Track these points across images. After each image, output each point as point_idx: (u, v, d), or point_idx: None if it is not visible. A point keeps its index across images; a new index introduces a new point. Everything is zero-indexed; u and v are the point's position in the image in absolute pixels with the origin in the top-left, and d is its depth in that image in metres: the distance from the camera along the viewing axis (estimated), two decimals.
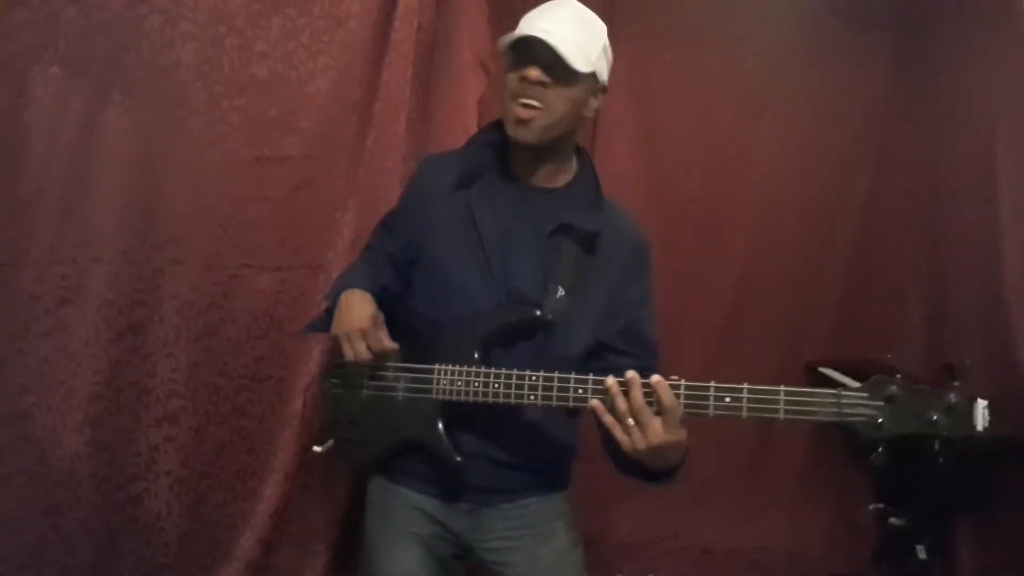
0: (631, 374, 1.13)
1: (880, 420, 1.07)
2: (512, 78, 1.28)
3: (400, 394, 1.37)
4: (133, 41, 1.68)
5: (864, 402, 1.08)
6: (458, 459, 1.32)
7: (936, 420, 1.05)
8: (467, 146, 1.43)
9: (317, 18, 1.85)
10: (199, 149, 1.78)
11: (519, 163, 1.38)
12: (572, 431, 1.48)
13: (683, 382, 1.13)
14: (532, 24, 1.27)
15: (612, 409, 1.14)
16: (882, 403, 1.08)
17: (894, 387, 1.08)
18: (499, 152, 1.40)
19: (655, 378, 1.12)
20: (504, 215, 1.36)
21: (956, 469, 2.27)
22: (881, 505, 2.59)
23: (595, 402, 1.16)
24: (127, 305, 1.74)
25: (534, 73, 1.25)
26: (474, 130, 1.97)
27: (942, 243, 2.55)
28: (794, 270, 2.73)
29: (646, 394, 1.12)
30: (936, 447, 1.09)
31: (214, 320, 1.85)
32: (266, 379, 1.93)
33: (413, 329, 1.40)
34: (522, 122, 1.28)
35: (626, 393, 1.13)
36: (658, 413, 1.11)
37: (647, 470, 1.20)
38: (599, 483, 1.86)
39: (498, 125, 1.40)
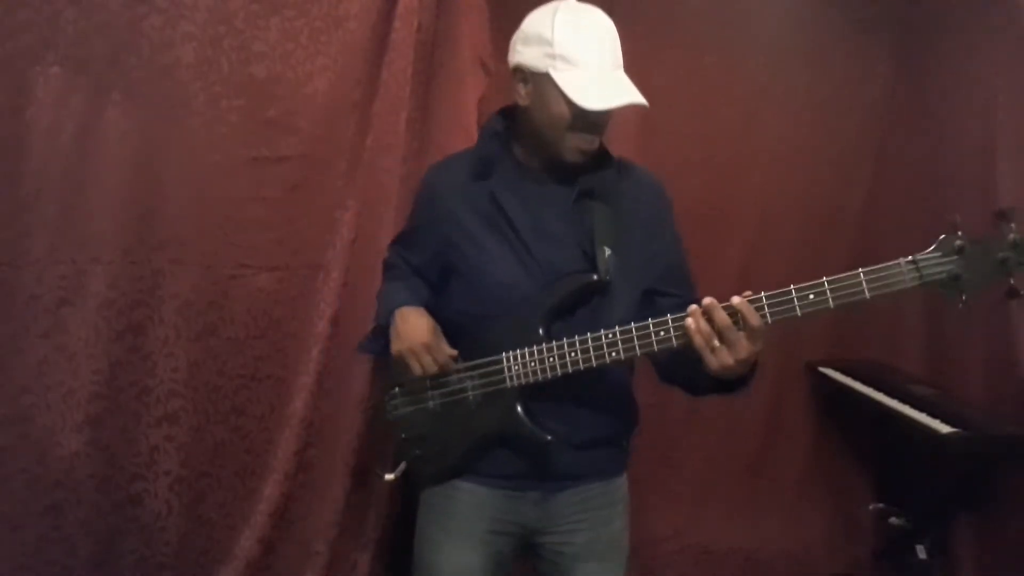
0: (708, 300, 1.18)
1: (959, 274, 1.10)
2: (575, 117, 1.29)
3: (471, 394, 1.37)
4: (133, 41, 1.69)
5: (940, 260, 1.11)
6: (548, 437, 1.32)
7: (1007, 259, 1.09)
8: (479, 139, 1.45)
9: (316, 18, 1.86)
10: (198, 149, 1.79)
11: (525, 151, 1.40)
12: (636, 406, 1.49)
13: (763, 294, 1.17)
14: (610, 78, 1.36)
15: (699, 331, 1.18)
16: (955, 257, 1.11)
17: (960, 240, 1.11)
18: (504, 140, 1.42)
19: (736, 300, 1.17)
20: (526, 197, 1.37)
21: (956, 469, 2.28)
22: (881, 505, 2.59)
23: (689, 321, 1.18)
24: (127, 305, 1.74)
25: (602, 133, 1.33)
26: (474, 130, 1.97)
27: None
28: (794, 270, 2.70)
29: (729, 314, 1.17)
30: (1012, 283, 1.11)
31: (213, 320, 1.86)
32: (265, 378, 1.94)
33: (460, 331, 1.40)
34: (584, 152, 1.33)
35: (709, 318, 1.17)
36: (743, 330, 1.17)
37: (724, 384, 1.25)
38: None
39: (501, 115, 1.42)
